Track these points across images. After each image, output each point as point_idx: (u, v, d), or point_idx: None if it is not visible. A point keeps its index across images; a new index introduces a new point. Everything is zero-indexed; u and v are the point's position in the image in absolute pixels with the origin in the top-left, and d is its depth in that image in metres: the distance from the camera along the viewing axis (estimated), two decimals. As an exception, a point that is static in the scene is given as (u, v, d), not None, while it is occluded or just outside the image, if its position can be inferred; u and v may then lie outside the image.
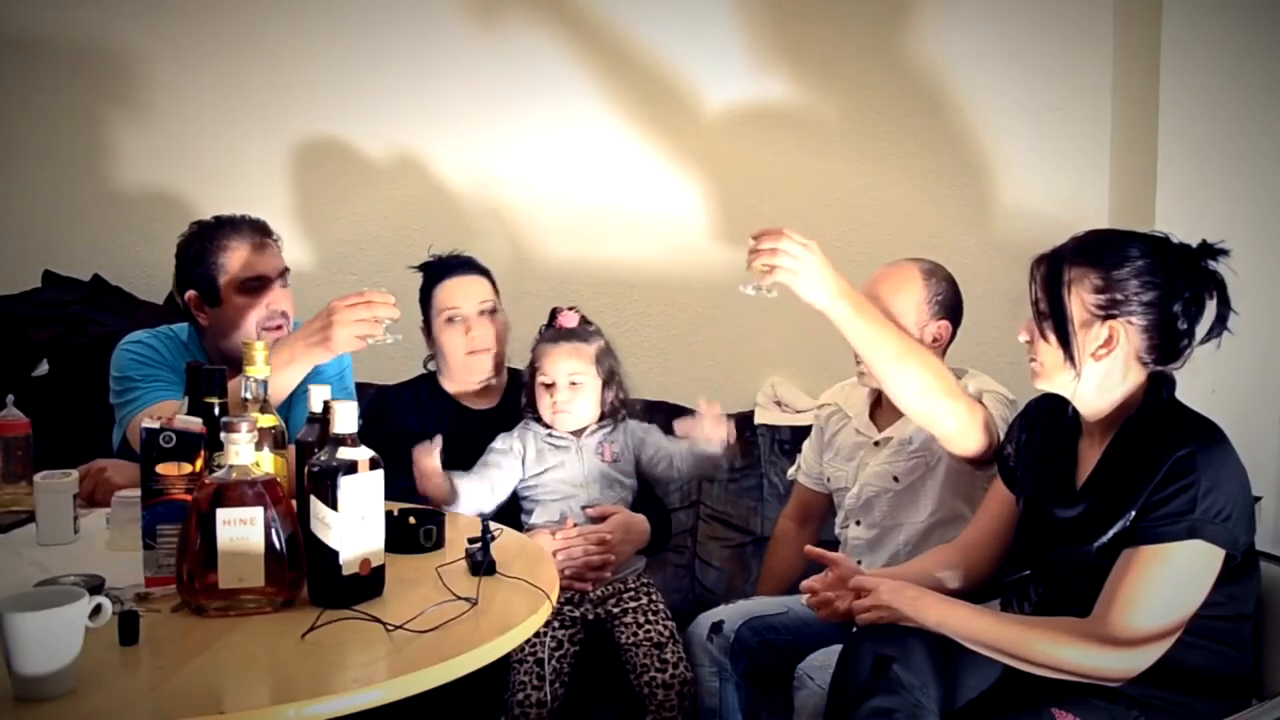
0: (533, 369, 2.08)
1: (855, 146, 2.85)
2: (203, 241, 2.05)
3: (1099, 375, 1.58)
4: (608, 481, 2.05)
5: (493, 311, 2.19)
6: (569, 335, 2.05)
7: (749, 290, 1.77)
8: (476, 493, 1.99)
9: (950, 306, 2.03)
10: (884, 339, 1.80)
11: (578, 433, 2.06)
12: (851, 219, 2.86)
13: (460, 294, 2.17)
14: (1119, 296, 1.54)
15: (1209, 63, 2.41)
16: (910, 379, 1.80)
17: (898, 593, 1.61)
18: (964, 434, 1.83)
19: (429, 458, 1.88)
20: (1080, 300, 1.56)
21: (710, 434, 1.97)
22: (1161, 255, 1.56)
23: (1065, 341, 1.57)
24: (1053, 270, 1.59)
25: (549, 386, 2.03)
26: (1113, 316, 1.55)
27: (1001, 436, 1.84)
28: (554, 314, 2.11)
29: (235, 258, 2.03)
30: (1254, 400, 2.36)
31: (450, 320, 2.16)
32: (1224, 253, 1.55)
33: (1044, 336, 1.60)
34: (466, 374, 2.18)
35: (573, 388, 2.03)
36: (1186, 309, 1.54)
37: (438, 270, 2.21)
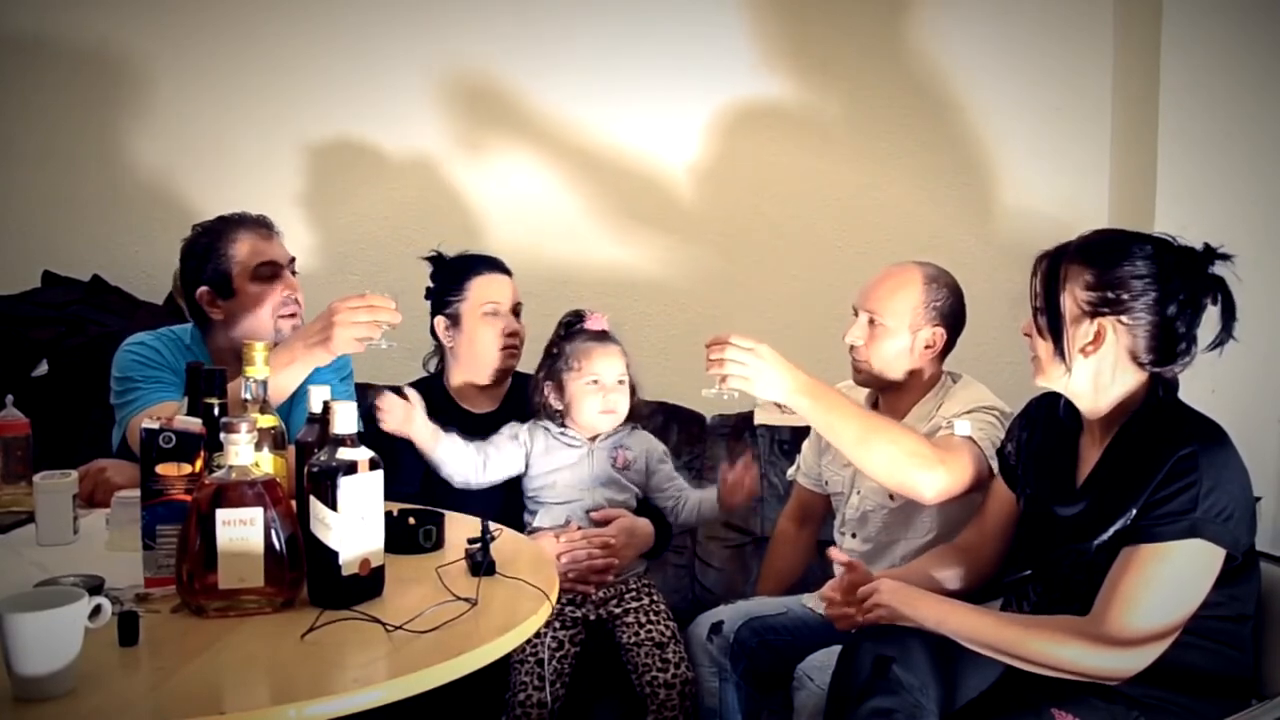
0: (566, 369, 2.05)
1: (855, 146, 2.86)
2: (210, 238, 2.09)
3: (1090, 372, 1.58)
4: (615, 487, 2.05)
5: (520, 313, 2.26)
6: (605, 337, 2.06)
7: (710, 394, 1.82)
8: (464, 456, 2.00)
9: (949, 315, 2.02)
10: (846, 425, 1.82)
11: (593, 437, 2.05)
12: (851, 219, 2.86)
13: (499, 290, 2.22)
14: (1110, 295, 1.54)
15: (1209, 63, 2.41)
16: (878, 459, 1.81)
17: (896, 592, 1.61)
18: (946, 495, 1.82)
19: (396, 399, 1.90)
20: (1072, 297, 1.57)
21: (737, 484, 1.99)
22: (1160, 257, 1.55)
23: (1056, 337, 1.58)
24: (1052, 268, 1.60)
25: (596, 385, 2.03)
26: (1102, 314, 1.55)
27: (994, 459, 1.83)
28: (579, 315, 2.10)
29: (245, 248, 2.07)
30: (1254, 400, 2.36)
31: (491, 313, 2.20)
32: (1227, 257, 1.55)
33: (1040, 332, 1.61)
34: (502, 361, 2.21)
35: (620, 386, 2.04)
36: (1182, 311, 1.54)
37: (471, 263, 2.25)
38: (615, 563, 1.97)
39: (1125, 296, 1.54)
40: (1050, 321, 1.59)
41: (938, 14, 2.81)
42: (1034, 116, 2.78)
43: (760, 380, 1.79)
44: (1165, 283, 1.54)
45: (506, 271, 2.27)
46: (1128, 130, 2.67)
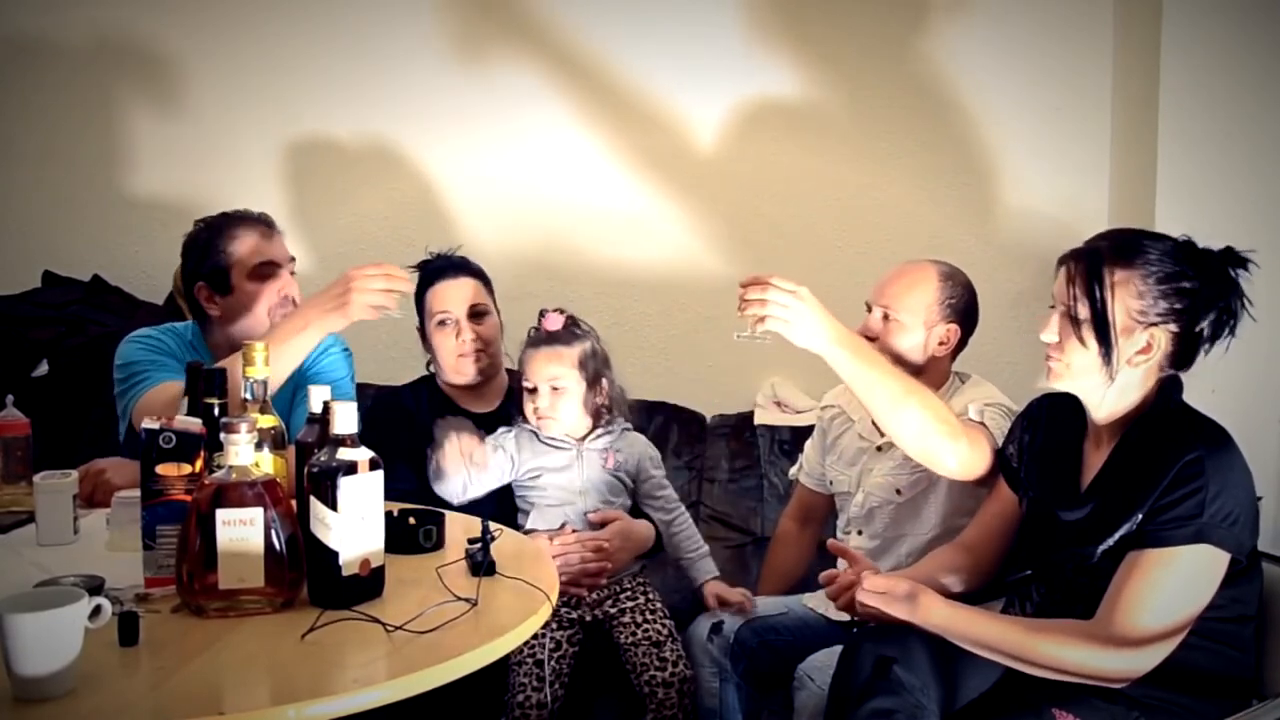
0: (520, 372, 2.06)
1: (856, 146, 2.85)
2: (211, 233, 2.09)
3: (1122, 380, 1.57)
4: (609, 489, 2.04)
5: (484, 313, 2.19)
6: (551, 339, 2.02)
7: (743, 337, 1.78)
8: (454, 482, 1.98)
9: (963, 312, 2.02)
10: (882, 383, 1.78)
11: (581, 438, 2.03)
12: (852, 219, 2.86)
13: (451, 297, 2.17)
14: (1162, 305, 1.53)
15: (1209, 63, 2.41)
16: (909, 422, 1.77)
17: (905, 597, 1.61)
18: (965, 470, 1.82)
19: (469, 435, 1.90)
20: (1124, 306, 1.54)
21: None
22: (1195, 264, 1.54)
23: (1107, 348, 1.54)
24: (1093, 272, 1.55)
25: (531, 391, 2.01)
26: (1153, 324, 1.54)
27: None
28: (541, 316, 2.07)
29: (245, 245, 2.07)
30: (1254, 400, 2.35)
31: (441, 323, 2.16)
32: (1250, 262, 1.54)
33: (1081, 340, 1.56)
34: (457, 374, 2.19)
35: (554, 393, 1.99)
36: (1220, 317, 1.53)
37: (430, 273, 2.21)
38: (608, 566, 1.96)
39: (1172, 305, 1.53)
40: (1099, 330, 1.54)
41: (938, 14, 2.81)
42: (1034, 116, 2.78)
43: (800, 325, 1.73)
44: (1204, 288, 1.53)
45: (470, 273, 2.21)
46: (1128, 130, 2.67)
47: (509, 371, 2.28)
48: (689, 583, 2.07)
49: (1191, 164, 2.42)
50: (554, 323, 2.03)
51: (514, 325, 2.28)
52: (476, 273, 2.23)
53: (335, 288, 1.83)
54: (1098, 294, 1.54)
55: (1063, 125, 2.78)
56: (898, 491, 1.98)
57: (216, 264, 2.06)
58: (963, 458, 1.79)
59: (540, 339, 2.03)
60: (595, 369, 2.03)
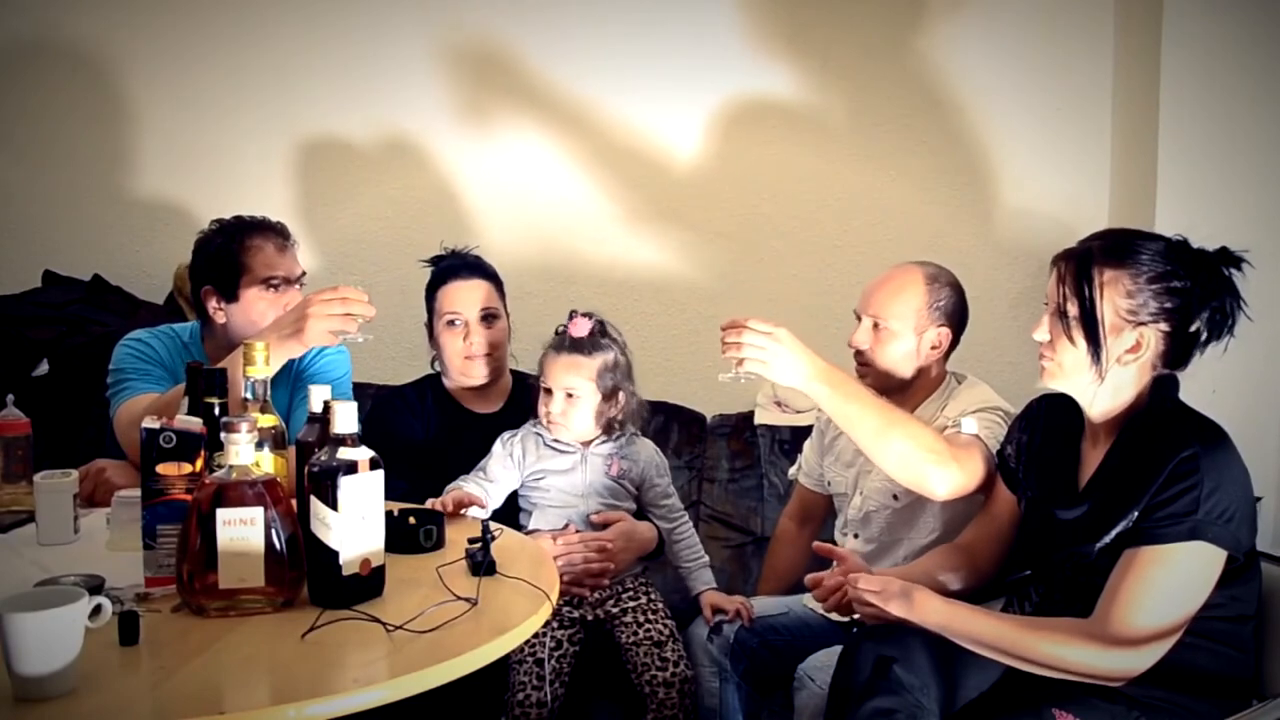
0: (538, 371, 2.05)
1: (856, 146, 2.85)
2: (225, 238, 2.09)
3: (1114, 379, 1.57)
4: (611, 493, 2.03)
5: (494, 317, 2.19)
6: (574, 346, 1.99)
7: (726, 378, 1.80)
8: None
9: (953, 314, 2.00)
10: (863, 416, 1.79)
11: (587, 442, 2.03)
12: (852, 219, 2.86)
13: (461, 299, 2.17)
14: (1153, 304, 1.53)
15: (1209, 63, 2.41)
16: (894, 453, 1.78)
17: (900, 594, 1.61)
18: (956, 493, 1.81)
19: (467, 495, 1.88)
20: (1113, 305, 1.54)
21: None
22: (1188, 264, 1.54)
23: (1096, 346, 1.55)
24: (1083, 271, 1.56)
25: (548, 393, 2.00)
26: (1143, 323, 1.54)
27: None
28: (570, 318, 2.03)
29: (257, 256, 2.06)
30: (1255, 400, 2.36)
31: (450, 324, 2.17)
32: (1244, 262, 1.55)
33: (1070, 339, 1.57)
34: (462, 376, 2.19)
35: (569, 399, 1.98)
36: (1213, 317, 1.54)
37: (443, 271, 2.22)
38: (611, 567, 1.96)
39: (1162, 304, 1.53)
40: (1088, 329, 1.55)
41: (939, 14, 2.81)
42: (1034, 116, 2.78)
43: (778, 365, 1.76)
44: (1196, 287, 1.53)
45: (483, 274, 2.21)
46: (1128, 130, 2.67)
47: (513, 372, 2.28)
48: (687, 589, 2.08)
49: (1191, 164, 2.42)
50: (580, 328, 2.00)
51: (515, 325, 2.28)
52: (490, 275, 2.23)
53: (292, 314, 1.83)
54: (1086, 293, 1.55)
55: (1063, 125, 2.78)
56: (894, 497, 1.97)
57: (226, 270, 2.06)
58: (953, 482, 1.79)
59: (563, 344, 2.00)
60: (614, 382, 2.00)
